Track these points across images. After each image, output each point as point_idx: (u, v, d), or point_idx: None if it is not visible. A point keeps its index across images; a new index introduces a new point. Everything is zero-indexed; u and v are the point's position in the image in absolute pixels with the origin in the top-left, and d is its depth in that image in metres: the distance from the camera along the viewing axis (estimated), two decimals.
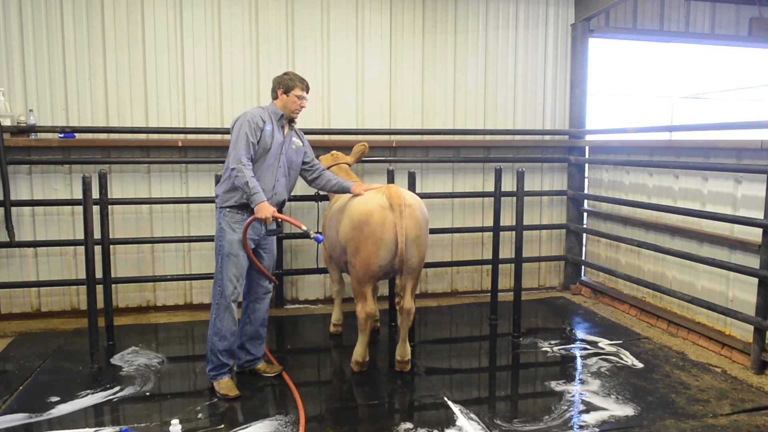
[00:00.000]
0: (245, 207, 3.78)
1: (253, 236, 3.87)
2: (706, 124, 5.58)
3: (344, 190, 4.27)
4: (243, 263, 3.83)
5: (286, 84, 3.92)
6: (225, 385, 3.80)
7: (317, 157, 5.06)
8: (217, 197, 3.88)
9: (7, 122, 5.03)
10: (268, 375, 4.10)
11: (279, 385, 3.99)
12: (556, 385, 4.01)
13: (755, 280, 4.19)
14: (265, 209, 3.66)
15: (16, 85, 5.16)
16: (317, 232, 3.84)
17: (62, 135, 5.15)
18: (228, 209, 3.79)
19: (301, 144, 4.14)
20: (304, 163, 4.19)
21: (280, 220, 3.79)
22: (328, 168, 4.92)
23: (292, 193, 5.71)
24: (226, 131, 5.45)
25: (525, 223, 5.27)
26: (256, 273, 4.00)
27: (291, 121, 4.03)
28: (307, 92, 4.01)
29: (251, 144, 3.73)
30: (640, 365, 4.35)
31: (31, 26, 5.15)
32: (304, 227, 3.71)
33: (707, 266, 4.75)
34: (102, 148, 5.32)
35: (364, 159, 5.32)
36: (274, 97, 3.97)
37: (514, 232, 5.09)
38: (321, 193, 5.42)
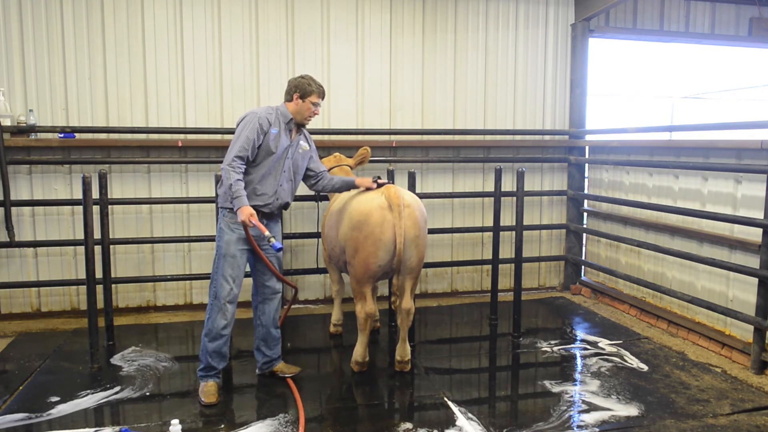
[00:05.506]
0: None
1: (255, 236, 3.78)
2: (706, 124, 5.57)
3: (349, 186, 4.20)
4: (240, 264, 3.76)
5: (304, 89, 3.78)
6: (207, 389, 3.71)
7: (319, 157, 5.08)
8: (218, 197, 3.85)
9: (7, 122, 5.03)
10: (285, 375, 4.04)
11: (279, 385, 3.99)
12: (556, 386, 4.00)
13: (755, 280, 4.19)
14: (242, 213, 3.54)
15: (16, 85, 5.16)
16: (276, 241, 3.62)
17: (62, 135, 5.16)
18: (227, 210, 3.72)
19: (308, 147, 4.02)
20: (308, 168, 4.07)
21: (251, 225, 3.61)
22: (330, 169, 4.94)
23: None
24: (226, 131, 5.46)
25: (525, 223, 5.28)
26: (261, 274, 3.93)
27: (301, 125, 3.92)
28: (323, 99, 3.88)
29: (252, 145, 3.63)
30: (640, 365, 4.35)
31: (31, 26, 5.15)
32: (267, 233, 3.60)
33: (707, 266, 4.75)
34: (102, 148, 5.32)
35: None
36: (288, 100, 3.84)
37: (514, 232, 5.09)
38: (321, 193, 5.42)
